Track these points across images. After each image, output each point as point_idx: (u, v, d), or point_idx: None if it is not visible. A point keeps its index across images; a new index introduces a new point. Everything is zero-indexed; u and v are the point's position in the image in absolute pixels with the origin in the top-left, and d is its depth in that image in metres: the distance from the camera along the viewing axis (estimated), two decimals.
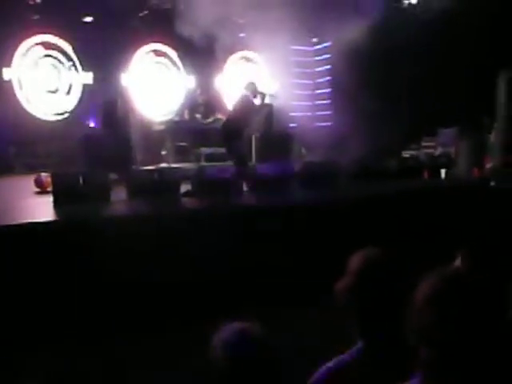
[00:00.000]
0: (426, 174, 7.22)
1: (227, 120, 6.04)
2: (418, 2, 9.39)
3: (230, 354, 1.30)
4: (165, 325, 3.57)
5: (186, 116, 8.34)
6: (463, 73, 7.84)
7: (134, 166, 6.58)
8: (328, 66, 11.13)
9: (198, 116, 8.12)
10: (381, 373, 1.29)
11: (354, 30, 8.84)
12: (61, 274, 3.91)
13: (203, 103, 8.61)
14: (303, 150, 10.16)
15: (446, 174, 7.20)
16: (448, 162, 7.42)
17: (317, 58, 11.56)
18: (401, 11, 9.37)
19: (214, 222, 4.57)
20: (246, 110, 5.86)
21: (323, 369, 1.36)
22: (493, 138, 7.48)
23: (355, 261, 1.41)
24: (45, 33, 8.76)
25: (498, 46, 7.59)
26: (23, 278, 3.73)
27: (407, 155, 8.09)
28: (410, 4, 9.45)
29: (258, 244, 4.50)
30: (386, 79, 8.94)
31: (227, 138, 5.83)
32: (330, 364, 1.36)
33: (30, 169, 7.47)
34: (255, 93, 5.93)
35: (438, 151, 8.17)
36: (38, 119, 8.71)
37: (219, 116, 8.25)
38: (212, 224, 4.55)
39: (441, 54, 8.55)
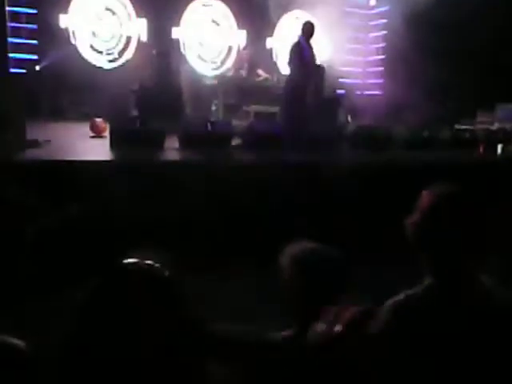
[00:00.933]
0: (481, 148, 6.95)
1: (290, 77, 5.96)
2: None
3: (306, 269, 1.33)
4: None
5: (232, 72, 8.26)
6: None
7: (184, 118, 6.63)
8: (384, 32, 10.70)
9: (242, 72, 8.04)
10: (449, 308, 1.29)
11: None
12: (118, 211, 4.04)
13: (248, 60, 8.51)
14: (349, 117, 9.97)
15: (503, 149, 6.90)
16: (505, 137, 7.10)
17: (372, 23, 11.13)
18: None
19: (266, 175, 4.59)
20: (302, 57, 5.77)
21: (391, 301, 1.35)
22: None
23: (425, 197, 1.39)
24: None
25: None
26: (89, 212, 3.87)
27: (462, 128, 7.80)
28: None
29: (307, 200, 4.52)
30: (446, 48, 8.55)
31: (290, 95, 5.76)
32: (398, 297, 1.35)
33: (83, 116, 7.64)
34: (311, 32, 5.83)
35: (495, 126, 7.83)
36: (93, 66, 8.80)
37: (261, 73, 8.18)
38: (264, 177, 4.58)
39: (503, 26, 8.08)
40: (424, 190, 1.42)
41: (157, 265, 0.76)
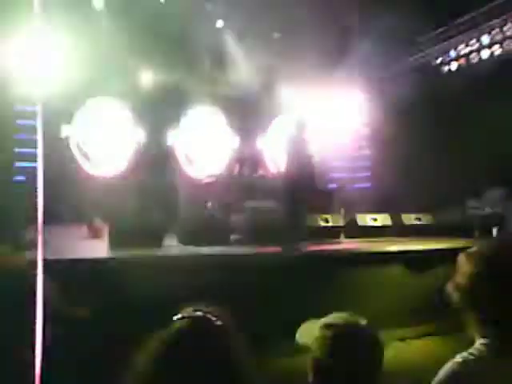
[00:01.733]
0: (476, 233, 7.04)
1: (285, 171, 6.05)
2: (458, 69, 9.62)
3: (333, 348, 1.24)
4: None
5: (235, 171, 8.59)
6: (509, 134, 7.79)
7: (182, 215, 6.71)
8: (367, 128, 11.37)
9: (246, 171, 8.37)
10: (506, 369, 1.27)
11: (392, 86, 9.16)
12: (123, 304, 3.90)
13: (249, 159, 8.90)
14: (342, 210, 10.19)
15: (498, 232, 6.99)
16: (499, 220, 7.23)
17: (356, 120, 11.81)
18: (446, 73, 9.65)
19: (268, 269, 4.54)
20: (301, 156, 5.92)
21: (450, 364, 1.32)
22: None
23: (466, 260, 1.40)
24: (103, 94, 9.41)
25: None
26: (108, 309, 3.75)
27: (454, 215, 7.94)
28: (449, 71, 9.73)
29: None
30: (427, 139, 9.01)
31: (286, 192, 5.81)
32: (456, 360, 1.33)
33: (81, 218, 7.65)
34: (304, 129, 6.01)
35: (487, 211, 7.98)
36: (92, 175, 9.08)
37: (256, 170, 8.51)
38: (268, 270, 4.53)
39: (486, 115, 8.53)
40: (462, 253, 1.43)
41: (208, 315, 0.75)
